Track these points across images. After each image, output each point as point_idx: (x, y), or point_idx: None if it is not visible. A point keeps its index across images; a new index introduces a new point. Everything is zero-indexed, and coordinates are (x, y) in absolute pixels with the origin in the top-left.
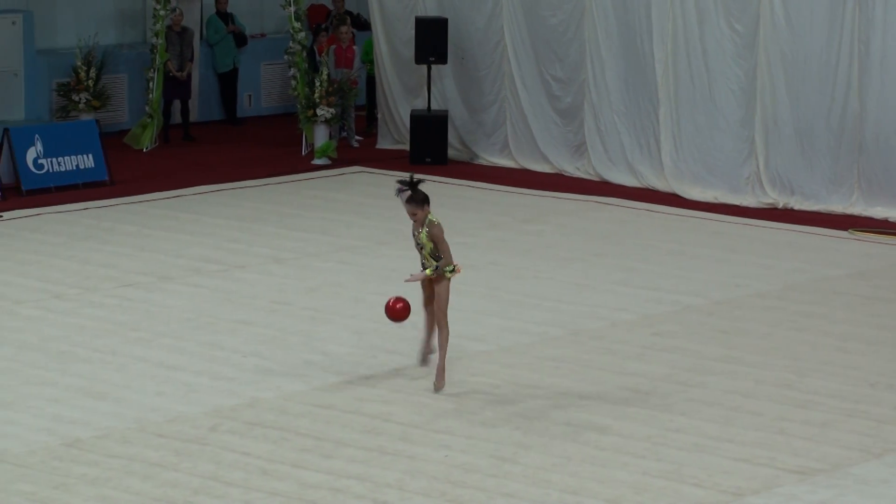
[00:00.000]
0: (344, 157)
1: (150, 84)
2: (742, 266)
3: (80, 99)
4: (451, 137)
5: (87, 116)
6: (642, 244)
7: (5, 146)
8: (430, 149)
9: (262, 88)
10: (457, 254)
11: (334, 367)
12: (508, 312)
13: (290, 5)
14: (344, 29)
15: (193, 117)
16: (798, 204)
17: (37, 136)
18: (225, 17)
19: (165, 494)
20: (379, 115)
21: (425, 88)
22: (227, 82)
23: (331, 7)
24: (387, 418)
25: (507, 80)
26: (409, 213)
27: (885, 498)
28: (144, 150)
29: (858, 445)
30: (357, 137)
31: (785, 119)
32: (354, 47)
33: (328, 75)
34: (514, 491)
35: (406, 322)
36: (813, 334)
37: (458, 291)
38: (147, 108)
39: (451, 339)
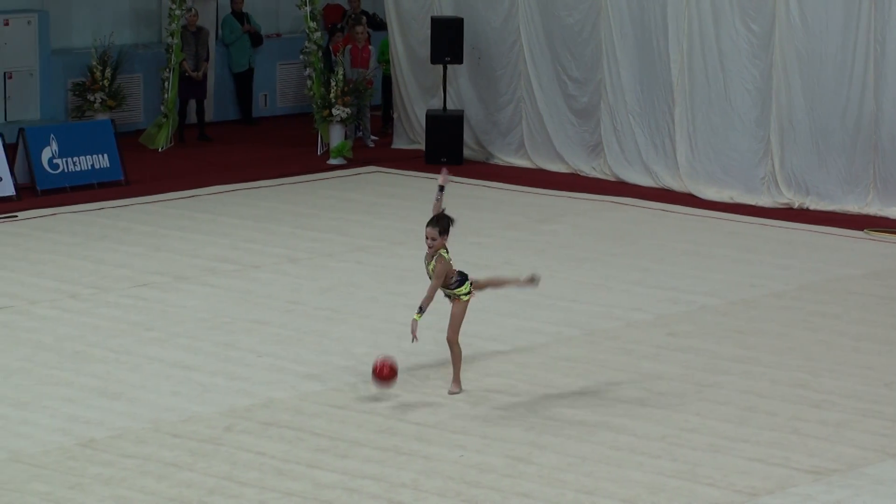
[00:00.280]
0: (359, 156)
1: (166, 84)
2: (757, 266)
3: (95, 99)
4: (467, 137)
5: (102, 116)
6: (658, 244)
7: (21, 146)
8: (446, 149)
9: (278, 88)
10: (472, 254)
11: (349, 366)
12: (523, 312)
13: (306, 5)
14: (360, 29)
15: (209, 117)
16: (813, 204)
17: (52, 135)
18: (240, 16)
19: (180, 494)
20: (395, 115)
21: (441, 88)
22: (243, 82)
23: (346, 7)
24: (402, 418)
25: (523, 79)
26: (427, 235)
27: None
28: (160, 149)
29: (873, 445)
30: (372, 137)
31: (800, 119)
32: (370, 47)
33: (344, 75)
34: (529, 491)
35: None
36: (828, 334)
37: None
38: (162, 108)
39: (466, 339)
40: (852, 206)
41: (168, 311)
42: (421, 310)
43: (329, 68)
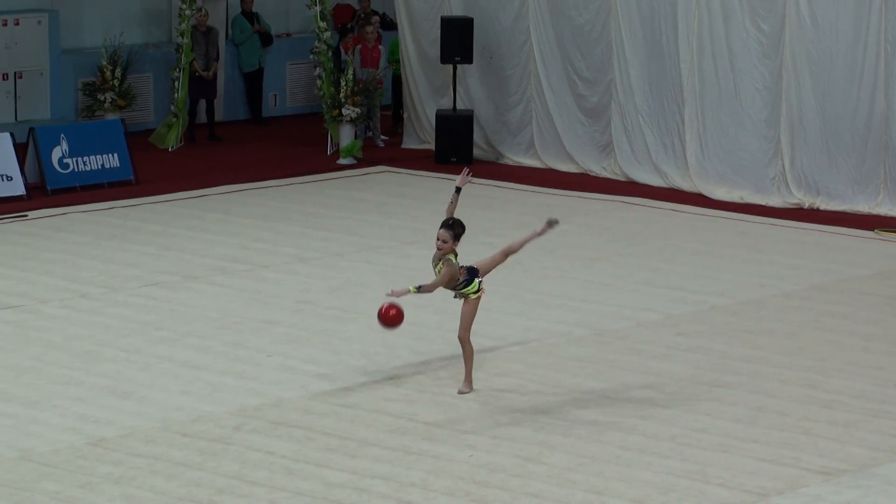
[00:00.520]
0: (369, 156)
1: (176, 83)
2: (767, 266)
3: (105, 98)
4: (477, 137)
5: (112, 116)
6: (667, 244)
7: (31, 145)
8: (456, 148)
9: (288, 88)
10: (481, 254)
11: (359, 366)
12: (533, 312)
13: (316, 5)
14: (370, 29)
15: (219, 117)
16: (824, 204)
17: (62, 135)
18: (250, 16)
19: (190, 494)
20: (405, 115)
21: (451, 88)
22: (253, 82)
23: (356, 7)
24: (411, 418)
25: (533, 79)
26: (439, 237)
27: None
28: (170, 149)
29: (884, 446)
30: (382, 137)
31: (811, 119)
32: (380, 47)
33: (354, 75)
34: (538, 491)
35: (429, 323)
36: (838, 334)
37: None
38: (172, 108)
39: (475, 338)
40: (862, 206)
41: (178, 310)
42: (419, 288)
43: (339, 68)
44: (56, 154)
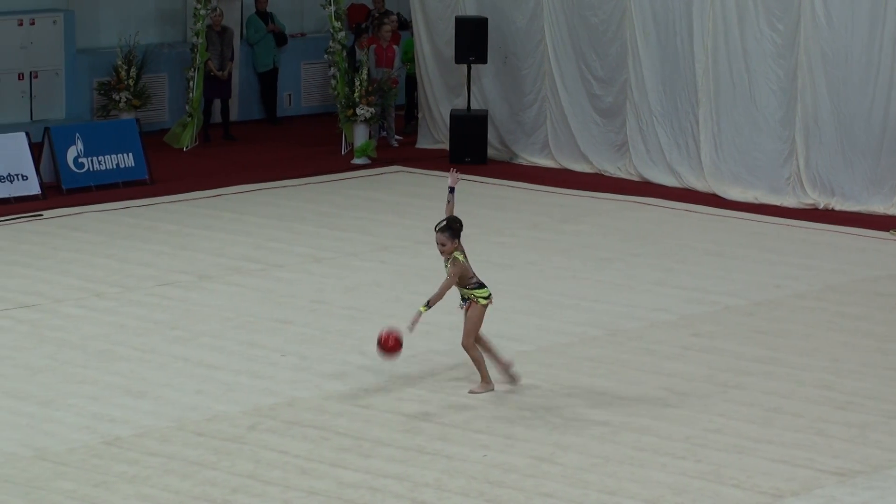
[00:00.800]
0: (383, 156)
1: (191, 83)
2: (782, 267)
3: (120, 98)
4: (491, 137)
5: (127, 115)
6: (681, 244)
7: (46, 145)
8: (470, 148)
9: (302, 88)
10: (495, 253)
11: (373, 366)
12: (547, 312)
13: (331, 4)
14: (386, 28)
15: (233, 116)
16: (839, 204)
17: (77, 135)
18: (265, 16)
19: (204, 493)
20: (420, 115)
21: (465, 88)
22: (268, 82)
23: (371, 6)
24: (425, 418)
25: (548, 79)
26: (437, 241)
27: None
28: (184, 149)
29: None
30: (397, 137)
31: (826, 119)
32: (395, 47)
33: (368, 74)
34: (552, 491)
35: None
36: (853, 335)
37: (497, 291)
38: (187, 108)
39: (489, 339)
40: (878, 207)
41: (192, 310)
42: (428, 304)
43: (353, 68)
44: (71, 154)
